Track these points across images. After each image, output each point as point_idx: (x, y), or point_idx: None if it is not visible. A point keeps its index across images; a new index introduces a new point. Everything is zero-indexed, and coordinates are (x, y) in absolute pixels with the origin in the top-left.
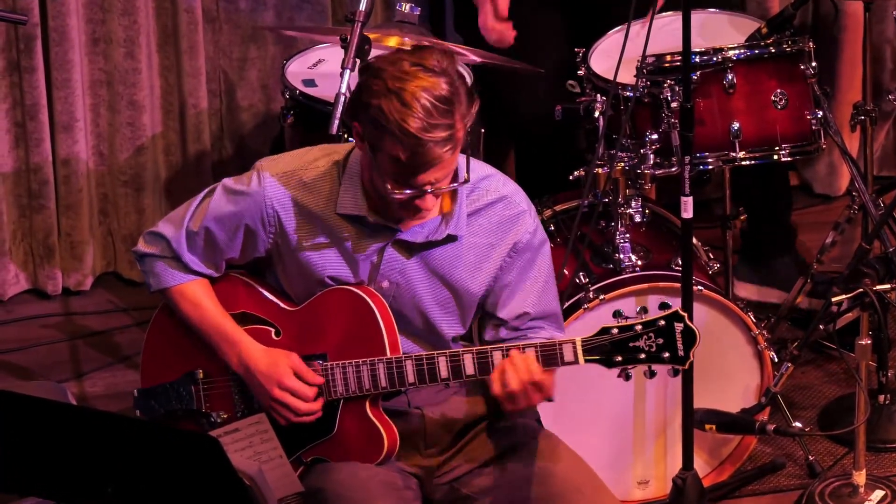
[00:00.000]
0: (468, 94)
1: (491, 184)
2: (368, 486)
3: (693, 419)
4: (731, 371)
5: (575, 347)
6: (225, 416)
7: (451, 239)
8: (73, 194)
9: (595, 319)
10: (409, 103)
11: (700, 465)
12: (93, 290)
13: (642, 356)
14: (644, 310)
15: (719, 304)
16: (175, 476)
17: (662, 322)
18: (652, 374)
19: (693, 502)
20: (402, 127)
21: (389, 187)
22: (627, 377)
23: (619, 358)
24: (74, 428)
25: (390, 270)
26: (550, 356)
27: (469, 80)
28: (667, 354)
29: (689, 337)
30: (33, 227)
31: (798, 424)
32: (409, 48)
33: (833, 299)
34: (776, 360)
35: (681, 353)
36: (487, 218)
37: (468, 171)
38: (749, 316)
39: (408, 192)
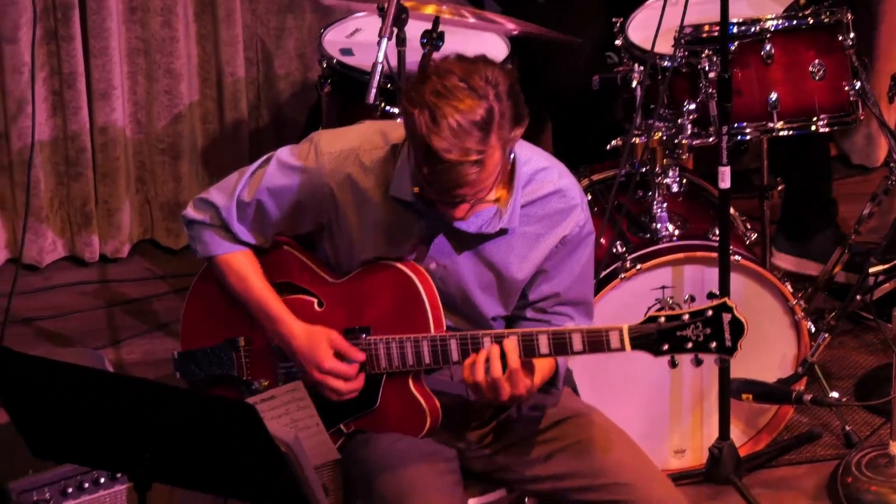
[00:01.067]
0: (514, 117)
1: (548, 175)
2: (407, 456)
3: (730, 389)
4: (769, 341)
5: (622, 335)
6: (266, 383)
7: (502, 232)
8: (111, 162)
9: (632, 289)
10: (439, 122)
11: (737, 434)
12: (130, 257)
13: (689, 345)
14: (692, 298)
15: (756, 274)
16: (211, 443)
17: (710, 312)
18: (698, 363)
19: (729, 472)
20: (426, 144)
21: (415, 190)
22: (674, 364)
23: (666, 346)
24: (111, 395)
25: (439, 254)
26: (597, 342)
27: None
28: (714, 344)
29: (737, 328)
30: (71, 194)
31: (835, 394)
32: (466, 57)
33: (870, 270)
34: (813, 330)
35: (728, 343)
36: (540, 208)
37: (504, 192)
38: (786, 286)
39: (434, 197)
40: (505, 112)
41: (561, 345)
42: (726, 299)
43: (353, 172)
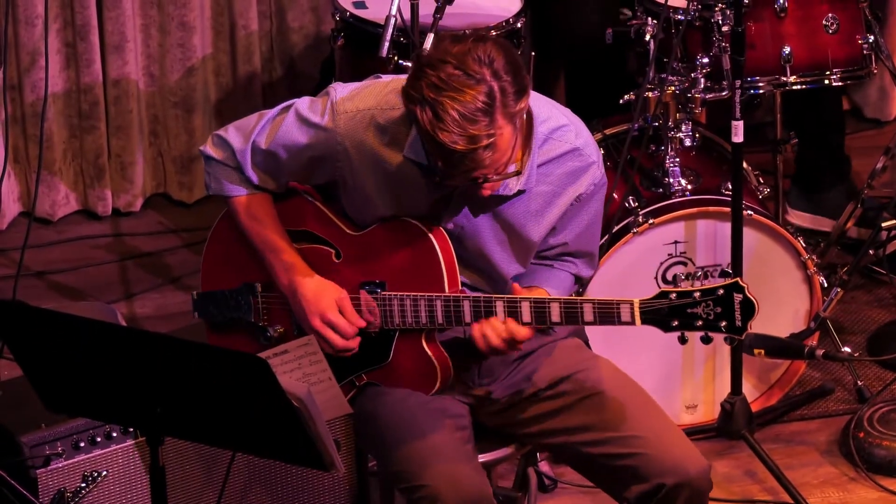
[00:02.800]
0: (517, 91)
1: (564, 134)
2: (419, 412)
3: (742, 344)
4: (781, 296)
5: (632, 309)
6: (281, 330)
7: (519, 192)
8: (124, 115)
9: (644, 243)
10: (442, 117)
11: (749, 389)
12: (143, 211)
13: (699, 323)
14: (705, 274)
15: (769, 229)
16: (223, 398)
17: (721, 291)
18: (708, 340)
19: (741, 427)
20: (434, 139)
21: (439, 177)
22: (683, 341)
23: (676, 323)
24: (124, 348)
25: (456, 214)
26: (607, 315)
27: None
28: (724, 324)
29: (748, 308)
30: (84, 147)
31: (847, 349)
32: (461, 37)
33: (883, 224)
34: (826, 285)
35: (738, 323)
36: (556, 167)
37: (523, 168)
38: (799, 241)
39: (457, 182)
40: (506, 88)
41: (572, 314)
42: (738, 279)
43: (370, 133)
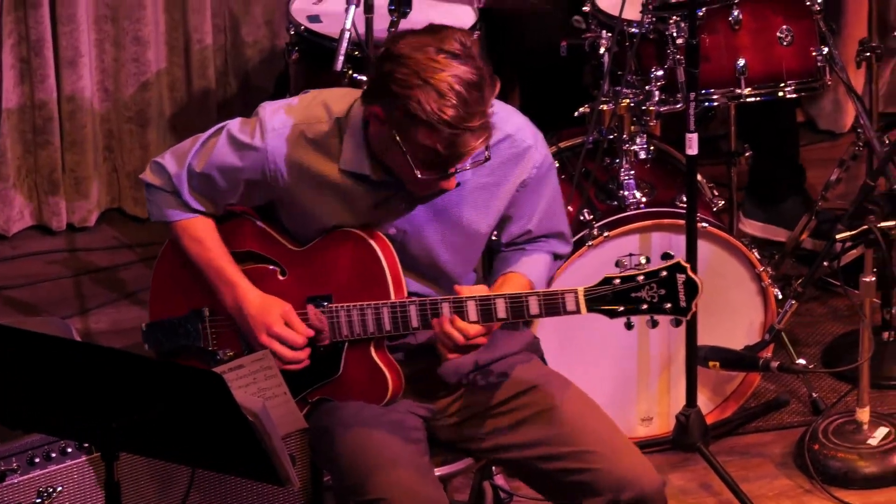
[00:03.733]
0: (491, 76)
1: (496, 123)
2: (372, 426)
3: (697, 356)
4: (736, 308)
5: (577, 297)
6: (231, 353)
7: (456, 185)
8: (78, 130)
9: (599, 256)
10: (446, 94)
11: (703, 401)
12: (97, 226)
13: (644, 307)
14: (647, 259)
15: (723, 241)
16: (179, 412)
17: (664, 273)
18: (654, 325)
19: (696, 439)
20: (441, 118)
21: (419, 174)
22: (630, 326)
23: (622, 308)
24: (78, 364)
25: (396, 219)
26: (553, 305)
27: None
28: (669, 305)
29: (691, 288)
30: (38, 162)
31: (802, 361)
32: (425, 29)
33: (837, 236)
34: (780, 296)
35: (682, 304)
36: (493, 157)
37: (489, 150)
38: (753, 253)
39: (436, 176)
40: (485, 70)
41: (518, 308)
42: (680, 259)
43: (300, 148)
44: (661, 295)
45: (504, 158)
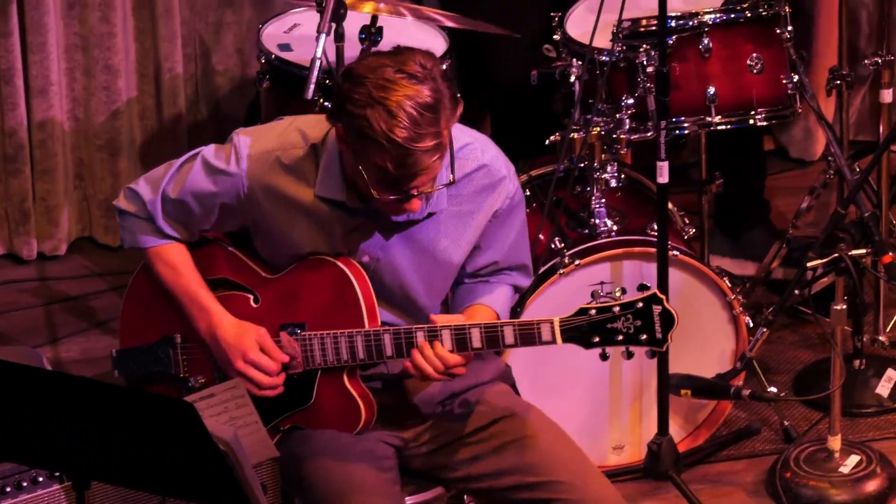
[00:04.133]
0: (452, 98)
1: (471, 152)
2: (344, 455)
3: (668, 384)
4: (707, 336)
5: (553, 328)
6: (203, 380)
7: (430, 215)
8: (49, 159)
9: (570, 285)
10: (395, 113)
11: (675, 430)
12: (68, 255)
13: (620, 338)
14: (623, 290)
15: (694, 269)
16: (150, 442)
17: (640, 304)
18: (630, 356)
19: (668, 467)
20: (390, 137)
21: (375, 194)
22: (605, 357)
23: (597, 339)
24: (49, 393)
25: (370, 247)
26: (528, 335)
27: (446, 44)
28: (644, 336)
29: (668, 319)
30: (8, 191)
31: (773, 389)
32: (389, 51)
33: (808, 264)
34: (751, 325)
35: (658, 335)
36: (467, 186)
37: (453, 171)
38: (724, 281)
39: (394, 196)
40: (445, 92)
41: (493, 338)
42: (656, 291)
43: (275, 174)
44: (637, 326)
45: (479, 188)
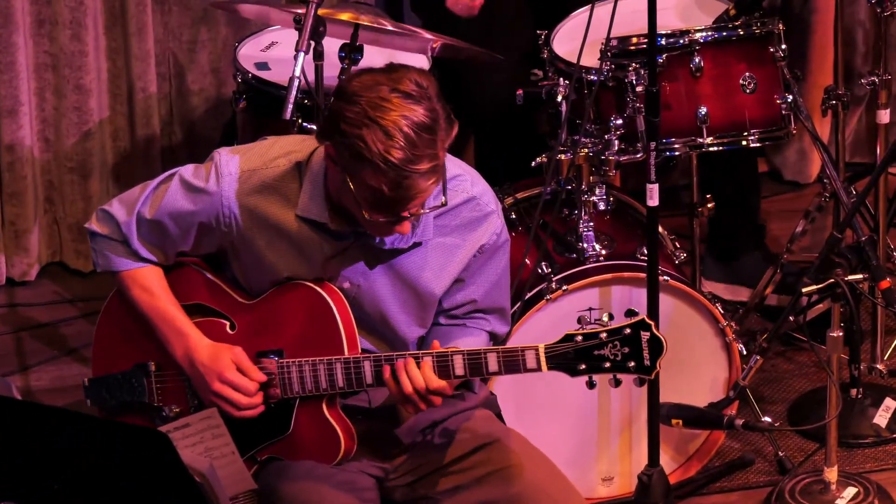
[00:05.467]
0: (447, 118)
1: (460, 184)
2: (324, 486)
3: (659, 414)
4: (699, 364)
5: (538, 354)
6: (177, 409)
7: (416, 245)
8: (18, 181)
9: (558, 311)
10: (392, 134)
11: (666, 461)
12: (38, 280)
13: (607, 365)
14: (611, 316)
15: (686, 295)
16: (123, 472)
17: (628, 330)
18: (617, 383)
19: (659, 499)
20: (387, 159)
21: (366, 215)
22: (591, 385)
23: (584, 366)
24: (18, 423)
25: (352, 273)
26: (512, 362)
27: (428, 63)
28: (632, 364)
29: (656, 346)
30: None
31: (767, 419)
32: (383, 68)
33: (803, 290)
34: (745, 352)
35: (647, 362)
36: (454, 218)
37: (445, 193)
38: (717, 307)
39: (387, 219)
40: (440, 112)
41: (476, 365)
42: (644, 317)
43: (256, 194)
44: (625, 353)
45: (466, 221)
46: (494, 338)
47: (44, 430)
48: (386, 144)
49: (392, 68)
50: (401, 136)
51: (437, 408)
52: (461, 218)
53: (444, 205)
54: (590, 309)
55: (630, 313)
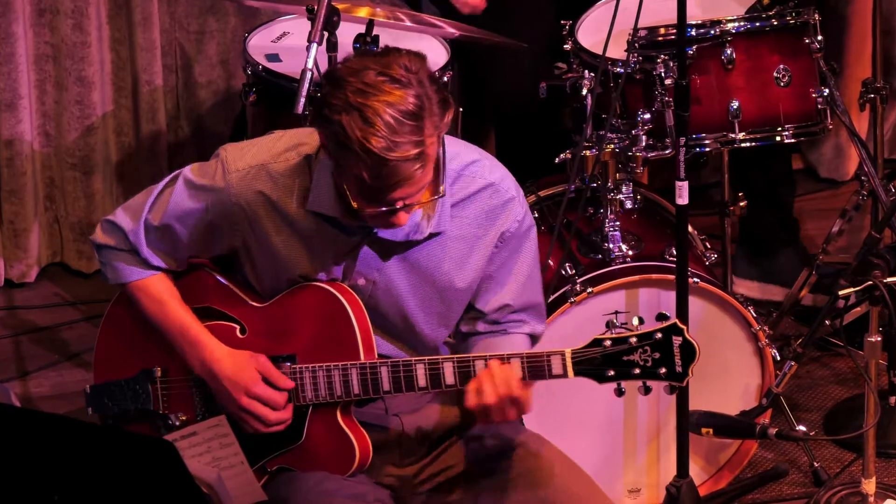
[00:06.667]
0: (441, 103)
1: (477, 170)
2: (336, 497)
3: (688, 422)
4: (730, 370)
5: (564, 360)
6: (184, 417)
7: (432, 236)
8: (17, 178)
9: (582, 314)
10: (372, 120)
11: (696, 472)
12: (38, 281)
13: (637, 371)
14: (641, 320)
15: (717, 298)
16: (127, 484)
17: (659, 335)
18: (647, 391)
19: None
20: (365, 146)
21: (356, 205)
22: (620, 393)
23: (612, 373)
24: (18, 431)
25: (367, 268)
26: (538, 368)
27: (448, 55)
28: (663, 370)
29: (689, 352)
30: None
31: (802, 428)
32: (377, 51)
33: (840, 292)
34: (778, 358)
35: (679, 369)
36: (473, 207)
37: (442, 184)
38: (749, 310)
39: (376, 209)
40: (432, 96)
41: None
42: (676, 321)
43: (265, 189)
44: (656, 359)
45: (486, 208)
46: (535, 339)
47: (44, 439)
48: (364, 131)
49: (384, 52)
50: (381, 123)
51: (456, 415)
52: (480, 206)
53: (442, 195)
54: (616, 312)
55: (661, 317)
